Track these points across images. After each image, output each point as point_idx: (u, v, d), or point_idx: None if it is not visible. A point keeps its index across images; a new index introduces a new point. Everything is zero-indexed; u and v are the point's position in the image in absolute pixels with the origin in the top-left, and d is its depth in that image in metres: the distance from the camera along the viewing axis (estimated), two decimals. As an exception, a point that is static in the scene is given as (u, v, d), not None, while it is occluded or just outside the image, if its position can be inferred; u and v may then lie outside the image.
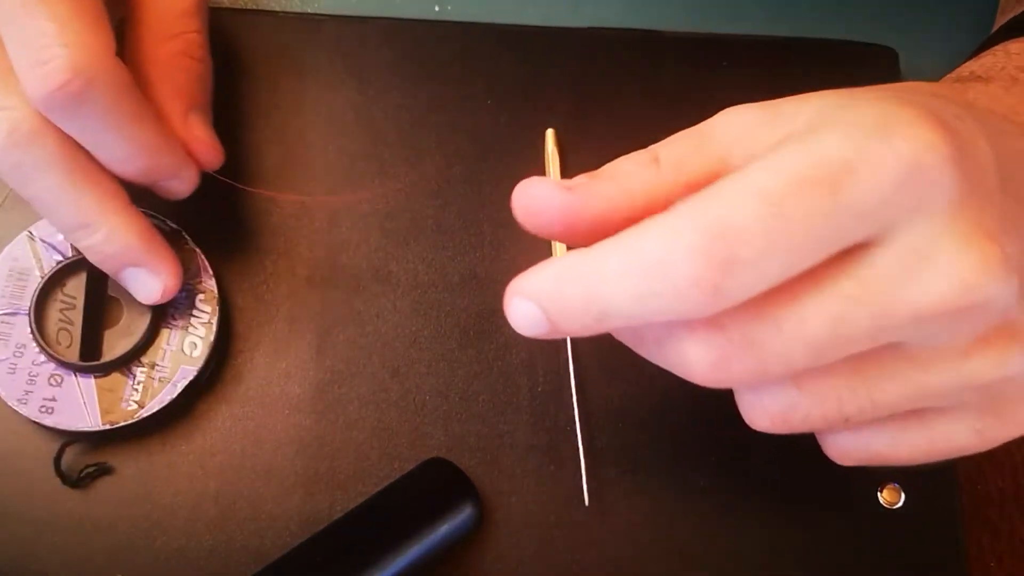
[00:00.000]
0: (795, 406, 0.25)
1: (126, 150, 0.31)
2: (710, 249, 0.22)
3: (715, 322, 0.24)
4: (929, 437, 0.27)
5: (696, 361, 0.24)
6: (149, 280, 0.33)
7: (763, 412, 0.26)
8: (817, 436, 0.29)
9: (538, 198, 0.26)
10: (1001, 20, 0.43)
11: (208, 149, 0.34)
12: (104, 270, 0.33)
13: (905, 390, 0.25)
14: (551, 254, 0.37)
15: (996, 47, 0.37)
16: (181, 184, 0.33)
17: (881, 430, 0.27)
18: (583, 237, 0.26)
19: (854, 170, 0.22)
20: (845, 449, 0.28)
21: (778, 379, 0.25)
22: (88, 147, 0.30)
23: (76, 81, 0.28)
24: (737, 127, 0.26)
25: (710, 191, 0.23)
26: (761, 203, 0.22)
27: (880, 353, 0.25)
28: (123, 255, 0.32)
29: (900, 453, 0.27)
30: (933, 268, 0.23)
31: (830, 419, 0.26)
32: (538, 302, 0.24)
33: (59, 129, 0.30)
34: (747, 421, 0.27)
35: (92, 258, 0.32)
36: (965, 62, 0.38)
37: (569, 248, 0.27)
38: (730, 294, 0.23)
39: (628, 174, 0.26)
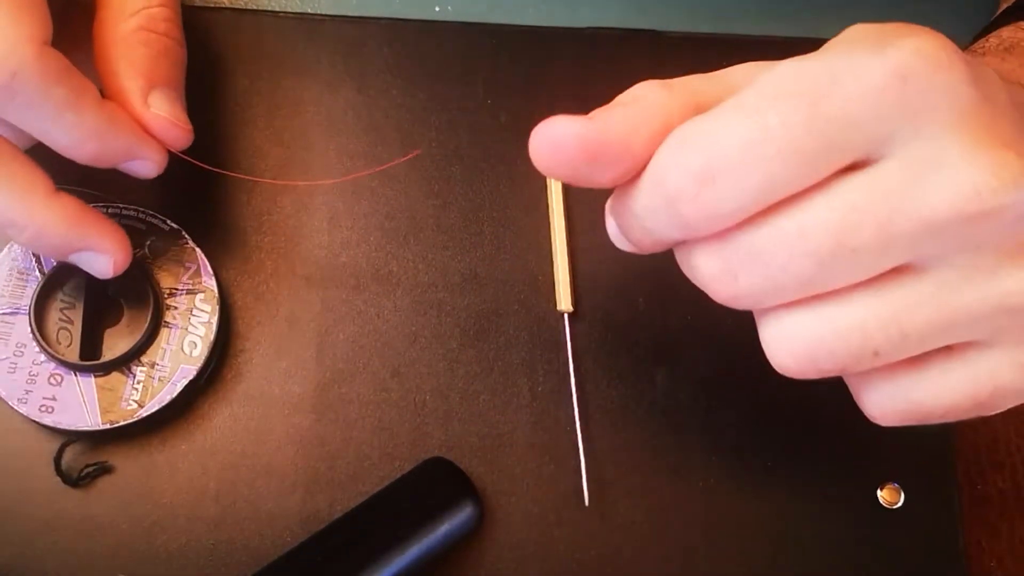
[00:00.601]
0: (820, 339, 0.24)
1: (69, 137, 0.30)
2: (688, 161, 0.23)
3: (722, 234, 0.24)
4: (972, 377, 0.25)
5: (705, 271, 0.25)
6: (97, 260, 0.32)
7: (787, 349, 0.25)
8: (855, 393, 0.27)
9: (559, 132, 0.25)
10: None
11: (170, 128, 0.32)
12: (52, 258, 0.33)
13: (934, 315, 0.24)
14: (552, 251, 0.37)
15: (989, 35, 0.38)
16: (145, 166, 0.32)
17: (919, 374, 0.26)
18: (605, 166, 0.26)
19: (838, 81, 0.22)
20: (884, 402, 0.26)
21: (792, 299, 0.24)
22: (35, 136, 0.30)
23: None
24: (749, 68, 0.27)
25: (703, 114, 0.24)
26: (741, 116, 0.23)
27: (902, 275, 0.24)
28: (60, 246, 0.31)
29: (943, 400, 0.26)
30: (941, 174, 0.22)
31: (857, 353, 0.24)
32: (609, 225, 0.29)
33: None
34: (774, 364, 0.26)
35: (34, 251, 0.32)
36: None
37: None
38: (713, 206, 0.23)
39: (642, 97, 0.26)
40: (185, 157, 0.33)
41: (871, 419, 0.27)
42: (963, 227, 0.22)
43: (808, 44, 0.42)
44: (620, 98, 0.27)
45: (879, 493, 0.36)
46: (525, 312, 0.37)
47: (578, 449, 0.35)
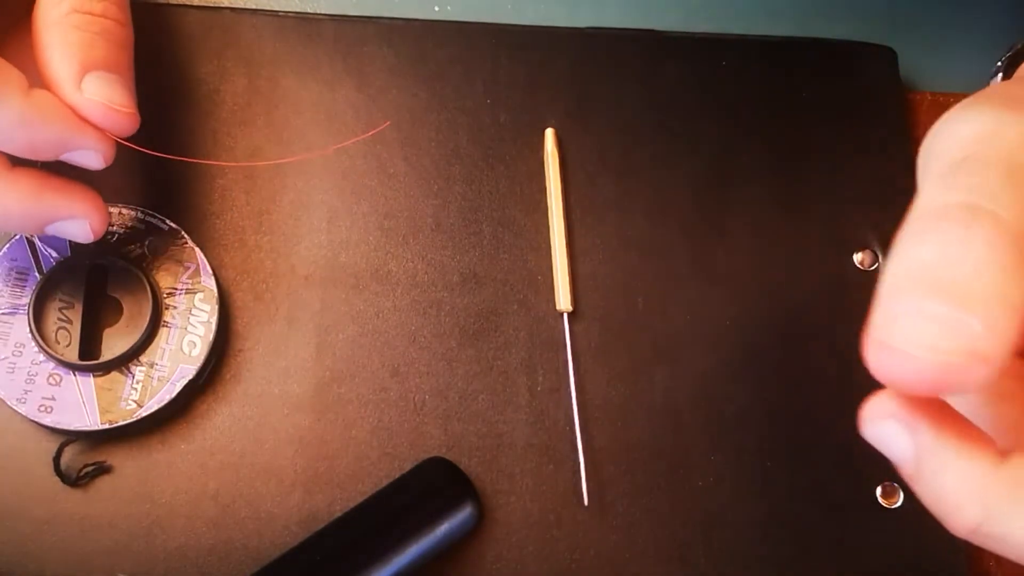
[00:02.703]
0: None
1: None
2: None
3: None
4: None
5: None
6: (72, 226, 0.31)
7: None
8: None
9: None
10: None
11: (106, 113, 0.30)
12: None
13: None
14: (551, 251, 0.37)
15: None
16: (88, 156, 0.30)
17: None
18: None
19: None
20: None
21: None
22: None
23: None
24: (1005, 138, 0.20)
25: None
26: None
27: None
28: (32, 219, 0.30)
29: None
30: None
31: None
32: None
33: None
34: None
35: (5, 231, 0.32)
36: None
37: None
38: None
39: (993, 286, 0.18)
40: (129, 144, 0.32)
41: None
42: None
43: (808, 44, 0.42)
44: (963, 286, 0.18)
45: (878, 493, 0.36)
46: (524, 312, 0.37)
47: (577, 449, 0.35)
